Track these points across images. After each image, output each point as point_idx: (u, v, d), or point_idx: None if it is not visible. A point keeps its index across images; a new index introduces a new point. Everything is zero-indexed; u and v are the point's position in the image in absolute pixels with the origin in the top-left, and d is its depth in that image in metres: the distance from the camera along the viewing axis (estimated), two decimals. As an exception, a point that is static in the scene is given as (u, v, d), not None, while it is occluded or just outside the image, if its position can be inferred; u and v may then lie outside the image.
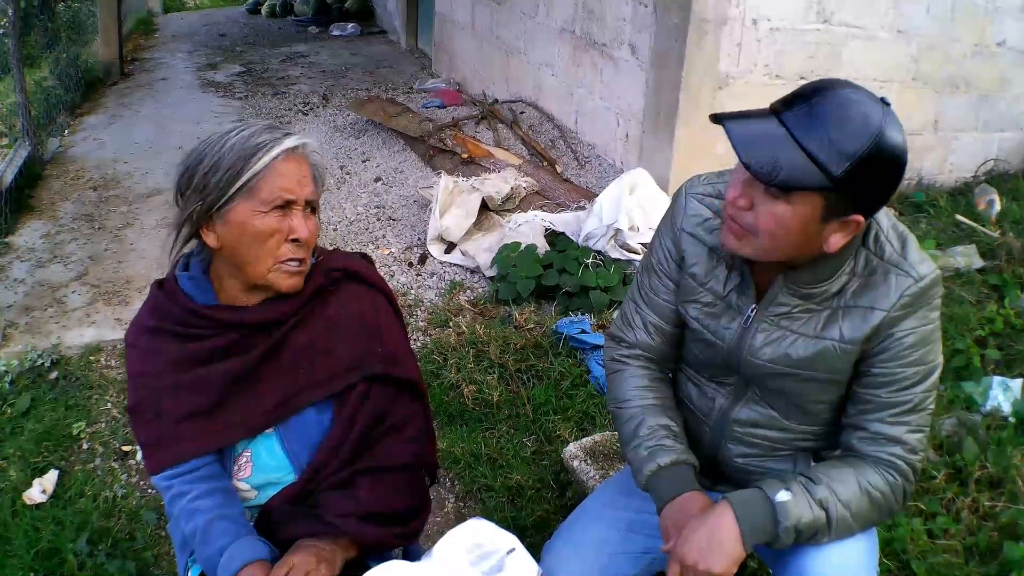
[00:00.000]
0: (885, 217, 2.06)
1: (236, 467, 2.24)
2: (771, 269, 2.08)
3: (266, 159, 2.03)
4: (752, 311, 2.15)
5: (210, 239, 2.11)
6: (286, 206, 2.07)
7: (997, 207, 6.29)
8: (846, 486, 2.03)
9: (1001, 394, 4.07)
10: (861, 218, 1.87)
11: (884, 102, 1.84)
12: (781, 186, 1.81)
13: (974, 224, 5.91)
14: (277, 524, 2.20)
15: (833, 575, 2.05)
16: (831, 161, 1.77)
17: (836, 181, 1.78)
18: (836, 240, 1.91)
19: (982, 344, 4.55)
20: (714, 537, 1.98)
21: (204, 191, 2.05)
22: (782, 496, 1.99)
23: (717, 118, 1.88)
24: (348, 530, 2.17)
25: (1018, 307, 4.85)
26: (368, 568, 2.07)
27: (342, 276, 2.30)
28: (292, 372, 2.21)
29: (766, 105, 1.93)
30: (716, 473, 2.45)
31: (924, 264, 2.00)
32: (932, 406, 2.09)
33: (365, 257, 2.47)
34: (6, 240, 6.12)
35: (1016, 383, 4.13)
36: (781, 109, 1.86)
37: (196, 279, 2.21)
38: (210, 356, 2.16)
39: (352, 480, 2.23)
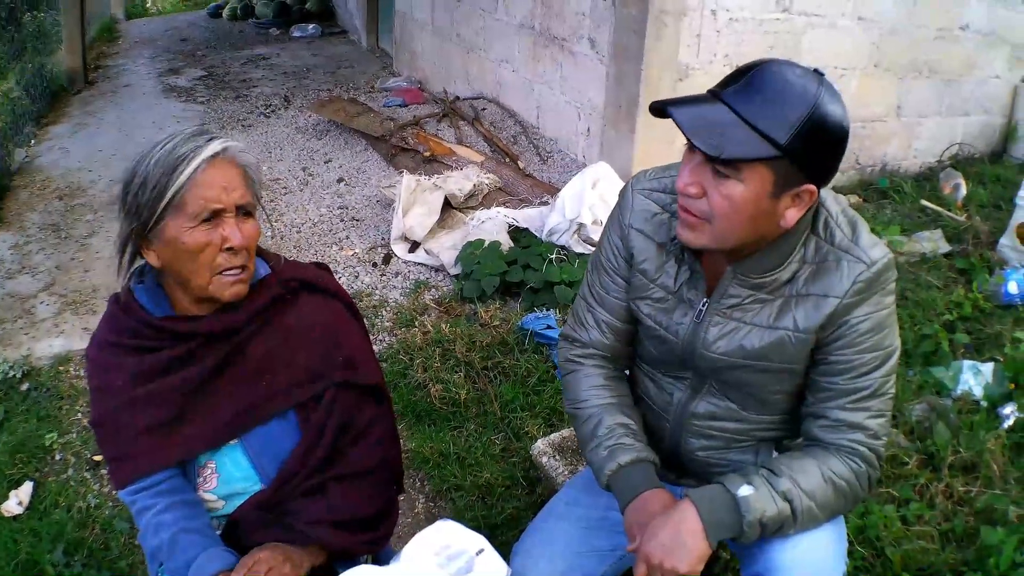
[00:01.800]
0: (834, 203, 2.07)
1: (201, 479, 2.23)
2: (721, 261, 2.09)
3: (187, 172, 1.99)
4: (704, 305, 2.15)
5: (151, 258, 2.10)
6: (215, 216, 2.03)
7: (963, 191, 6.32)
8: (809, 476, 2.03)
9: (972, 378, 4.07)
10: (813, 187, 1.89)
11: (818, 72, 1.88)
12: (730, 160, 1.82)
13: (939, 209, 5.94)
14: (247, 531, 2.20)
15: (801, 565, 2.05)
16: (775, 130, 1.79)
17: (783, 149, 1.79)
18: (792, 214, 1.91)
19: (951, 329, 4.56)
20: (678, 535, 1.97)
21: (137, 211, 2.03)
22: (744, 491, 1.99)
23: (658, 105, 1.89)
24: (320, 538, 2.18)
25: (986, 291, 4.86)
26: (336, 573, 2.09)
27: (298, 286, 2.29)
28: (252, 383, 2.20)
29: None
30: (679, 467, 2.45)
31: (876, 248, 2.01)
32: (892, 390, 2.10)
33: (321, 266, 2.46)
34: (-25, 252, 6.07)
35: (987, 367, 4.13)
36: (720, 90, 1.88)
37: (151, 291, 2.19)
38: (166, 368, 2.15)
39: (323, 487, 2.24)
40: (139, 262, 2.19)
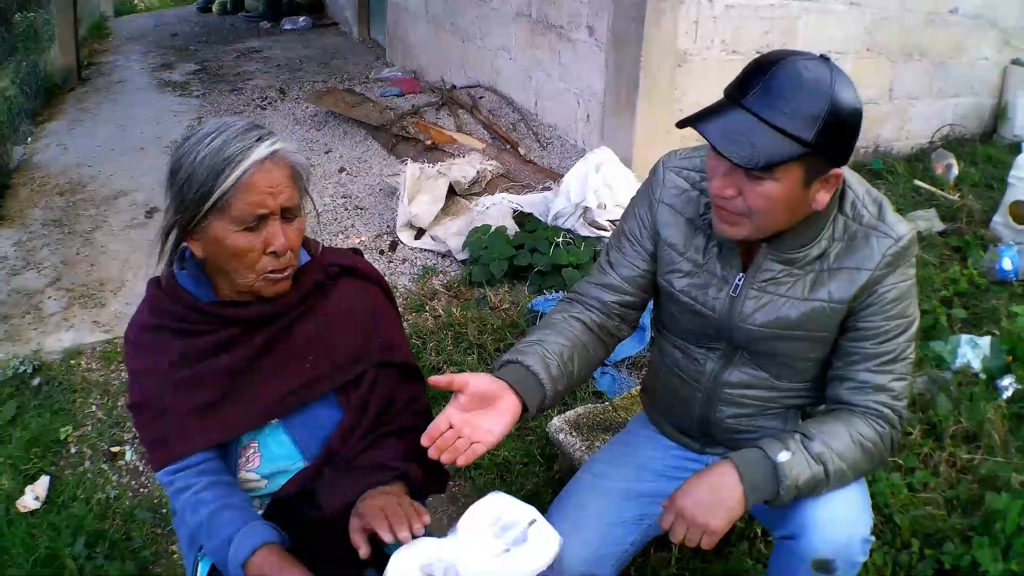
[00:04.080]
0: (860, 185, 2.18)
1: (243, 459, 2.25)
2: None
3: (234, 176, 1.97)
4: (740, 279, 2.22)
5: (196, 249, 2.11)
6: (260, 220, 2.03)
7: (955, 171, 6.40)
8: (839, 439, 2.11)
9: (970, 351, 4.16)
10: (839, 170, 2.00)
11: (824, 58, 1.95)
12: (765, 167, 1.90)
13: (933, 188, 6.02)
14: (324, 492, 2.21)
15: (832, 522, 2.12)
16: (801, 129, 1.87)
17: (811, 145, 1.88)
18: (822, 197, 2.02)
19: (948, 304, 4.65)
20: (717, 494, 2.05)
21: (181, 206, 2.03)
22: (783, 456, 2.06)
23: (684, 123, 1.98)
24: (406, 471, 2.22)
25: (981, 267, 4.95)
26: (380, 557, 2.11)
27: (339, 271, 2.33)
28: (295, 365, 2.23)
29: (725, 81, 2.02)
30: (707, 435, 2.52)
31: (901, 225, 2.12)
32: (912, 356, 2.20)
33: (356, 251, 2.49)
34: (-22, 250, 6.08)
35: (984, 340, 4.21)
36: (739, 96, 1.95)
37: (194, 276, 2.20)
38: (212, 350, 2.17)
39: (376, 442, 2.29)
40: (176, 244, 2.18)
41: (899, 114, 6.82)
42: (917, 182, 6.13)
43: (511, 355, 2.24)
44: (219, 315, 2.17)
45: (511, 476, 3.60)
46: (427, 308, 4.87)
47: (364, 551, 2.00)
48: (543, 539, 1.99)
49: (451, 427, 2.03)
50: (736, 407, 2.39)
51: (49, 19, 10.96)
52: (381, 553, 2.21)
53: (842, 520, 2.13)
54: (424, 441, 2.01)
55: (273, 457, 2.27)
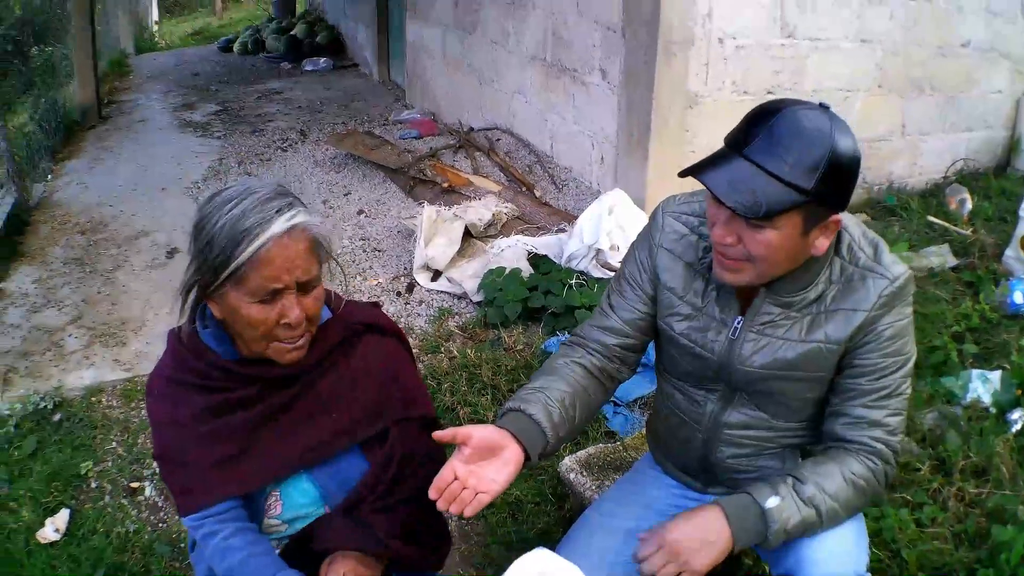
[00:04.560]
0: (856, 227, 2.21)
1: (267, 505, 2.33)
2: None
3: (250, 250, 1.97)
4: (738, 323, 2.27)
5: (215, 310, 2.14)
6: (275, 293, 2.03)
7: (968, 206, 6.40)
8: (832, 480, 2.15)
9: (981, 386, 4.15)
10: (838, 216, 2.03)
11: (824, 107, 2.00)
12: (766, 216, 1.94)
13: (946, 224, 6.03)
14: (321, 532, 2.29)
15: (828, 559, 2.16)
16: (802, 178, 1.91)
17: (811, 193, 1.91)
18: (821, 243, 2.06)
19: (959, 339, 4.64)
20: (705, 535, 2.10)
21: (201, 267, 2.04)
22: (771, 502, 2.11)
23: (687, 172, 2.01)
24: (396, 549, 2.28)
25: (993, 302, 4.97)
26: None
27: (363, 329, 2.37)
28: (317, 421, 2.28)
29: (734, 121, 2.06)
30: (708, 474, 2.56)
31: (896, 266, 2.15)
32: (908, 391, 2.23)
33: (374, 304, 2.55)
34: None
35: (995, 375, 4.21)
36: (741, 145, 1.98)
37: (216, 334, 2.23)
38: (234, 407, 2.22)
39: (391, 507, 2.32)
40: (196, 303, 2.21)
41: (911, 149, 6.82)
42: (930, 218, 6.14)
43: (514, 403, 2.28)
44: (241, 374, 2.21)
45: (523, 515, 3.65)
46: (442, 349, 4.93)
47: None
48: None
49: (456, 479, 2.08)
50: (735, 447, 2.43)
51: (67, 54, 11.03)
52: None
53: (837, 558, 2.17)
54: (432, 494, 2.06)
55: (294, 505, 2.34)
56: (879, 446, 2.19)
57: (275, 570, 2.18)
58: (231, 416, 2.22)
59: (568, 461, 3.52)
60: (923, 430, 3.85)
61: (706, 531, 2.11)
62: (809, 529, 2.15)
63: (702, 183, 1.96)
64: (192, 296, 2.16)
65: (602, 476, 3.40)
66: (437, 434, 2.11)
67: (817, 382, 2.26)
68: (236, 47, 16.66)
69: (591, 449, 3.61)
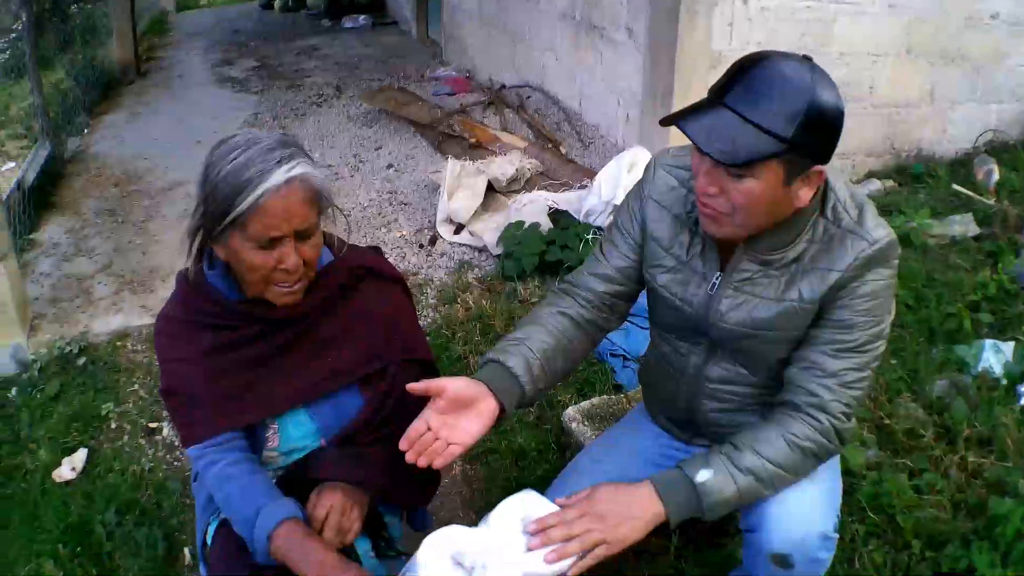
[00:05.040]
0: (844, 189, 2.19)
1: (265, 438, 2.43)
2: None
3: (251, 199, 2.06)
4: (717, 279, 2.28)
5: (220, 253, 2.24)
6: (274, 240, 2.13)
7: (995, 177, 6.33)
8: (771, 445, 2.16)
9: (992, 356, 4.11)
10: (821, 168, 2.02)
11: (807, 59, 1.99)
12: (745, 164, 1.94)
13: (971, 193, 5.99)
14: (314, 464, 2.39)
15: (788, 518, 2.19)
16: (780, 126, 1.90)
17: (789, 142, 1.91)
18: (805, 194, 2.05)
19: (975, 308, 4.61)
20: (629, 509, 2.13)
21: (206, 213, 2.15)
22: (701, 476, 2.12)
23: (668, 120, 2.02)
24: (384, 486, 2.39)
25: (1011, 272, 4.94)
26: (381, 516, 2.31)
27: (363, 273, 2.46)
28: (318, 360, 2.38)
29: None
30: (693, 427, 2.59)
31: (879, 229, 2.13)
32: (876, 352, 2.20)
33: (375, 249, 2.65)
34: (30, 237, 6.26)
35: (1008, 346, 4.18)
36: (723, 94, 1.98)
37: (223, 276, 2.34)
38: (240, 344, 2.33)
39: (383, 441, 2.41)
40: (202, 246, 2.32)
41: (940, 118, 6.73)
42: (956, 186, 6.11)
43: (493, 353, 2.34)
44: (244, 313, 2.31)
45: (525, 462, 3.69)
46: (459, 300, 4.99)
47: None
48: None
49: (429, 429, 2.14)
50: (717, 401, 2.46)
51: (107, 12, 11.15)
52: (373, 522, 2.42)
53: (798, 517, 2.19)
54: (402, 445, 2.13)
55: (291, 438, 2.45)
56: (826, 397, 2.17)
57: (269, 498, 2.24)
58: (234, 353, 2.32)
59: (571, 411, 3.58)
60: (931, 398, 3.83)
61: (631, 505, 2.13)
62: (755, 495, 2.17)
63: (681, 131, 1.96)
64: (198, 239, 2.27)
65: (603, 426, 3.46)
66: (411, 386, 2.17)
67: (793, 342, 2.25)
68: (277, 4, 16.77)
69: (595, 400, 3.67)
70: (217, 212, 2.10)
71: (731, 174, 1.99)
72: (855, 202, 2.17)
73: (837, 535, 2.29)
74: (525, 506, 2.17)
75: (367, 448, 2.41)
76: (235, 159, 2.09)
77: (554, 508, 2.16)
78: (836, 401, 2.17)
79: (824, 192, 2.16)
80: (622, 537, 2.09)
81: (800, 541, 2.20)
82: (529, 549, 2.05)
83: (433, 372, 2.59)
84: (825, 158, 2.02)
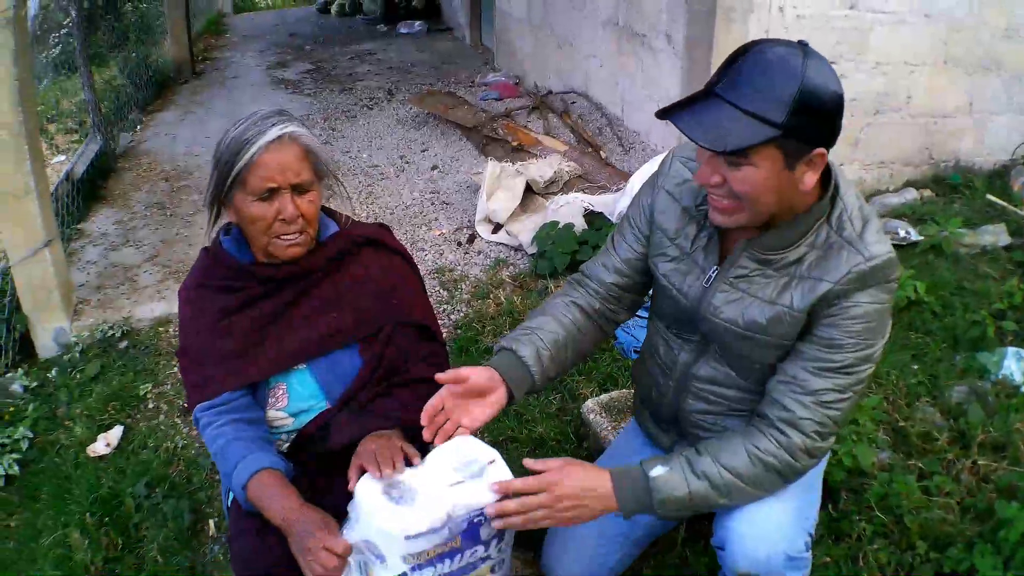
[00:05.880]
0: (853, 199, 2.17)
1: (272, 399, 2.58)
2: (740, 233, 2.24)
3: (248, 155, 2.32)
4: (714, 272, 2.31)
5: (230, 216, 2.52)
6: (272, 192, 2.37)
7: (1031, 188, 6.37)
8: (733, 455, 2.21)
9: (1014, 364, 4.11)
10: (823, 150, 2.00)
11: (802, 44, 1.98)
12: (737, 150, 1.95)
13: (1005, 204, 6.01)
14: (336, 431, 2.52)
15: (753, 535, 2.25)
16: (771, 112, 1.91)
17: (782, 127, 1.91)
18: (810, 178, 2.03)
19: (1001, 316, 4.62)
20: (582, 500, 2.20)
21: (215, 178, 2.42)
22: (656, 471, 2.20)
23: (662, 113, 2.04)
24: (403, 420, 2.49)
25: (1039, 282, 4.95)
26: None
27: (364, 242, 2.66)
28: (319, 319, 2.56)
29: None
30: (678, 428, 2.63)
31: (878, 245, 2.10)
32: (862, 377, 2.18)
33: (383, 226, 2.82)
34: (78, 227, 6.44)
35: (1030, 354, 4.18)
36: (714, 84, 2.01)
37: (236, 240, 2.58)
38: (246, 304, 2.53)
39: (388, 391, 2.59)
40: (218, 214, 2.55)
41: (978, 128, 6.69)
42: (990, 197, 6.13)
43: (507, 342, 2.47)
44: (255, 273, 2.53)
45: (543, 451, 3.76)
46: (491, 296, 5.10)
47: (351, 484, 2.25)
48: (497, 477, 2.22)
49: (443, 408, 2.31)
50: (704, 402, 2.48)
51: (162, 12, 11.38)
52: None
53: (762, 536, 2.24)
54: (423, 419, 2.29)
55: (299, 397, 2.59)
56: (800, 414, 2.17)
57: (249, 452, 2.41)
58: (240, 314, 2.52)
59: (590, 403, 3.68)
60: (950, 403, 3.84)
61: (586, 497, 2.20)
62: (707, 502, 2.22)
63: (672, 123, 2.00)
64: (215, 210, 2.51)
65: (620, 418, 3.55)
66: (439, 376, 2.33)
67: (782, 350, 2.24)
68: (334, 8, 16.95)
69: (614, 393, 3.77)
70: (223, 174, 2.38)
71: (728, 163, 2.00)
72: (861, 214, 2.15)
73: (809, 554, 2.33)
74: (462, 447, 2.31)
75: (375, 400, 2.58)
76: (238, 127, 2.38)
77: (488, 448, 2.29)
78: (810, 419, 2.17)
79: (832, 199, 2.15)
80: (567, 520, 2.20)
81: (764, 561, 2.24)
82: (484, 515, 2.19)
83: (431, 336, 2.76)
84: (826, 142, 2.00)
